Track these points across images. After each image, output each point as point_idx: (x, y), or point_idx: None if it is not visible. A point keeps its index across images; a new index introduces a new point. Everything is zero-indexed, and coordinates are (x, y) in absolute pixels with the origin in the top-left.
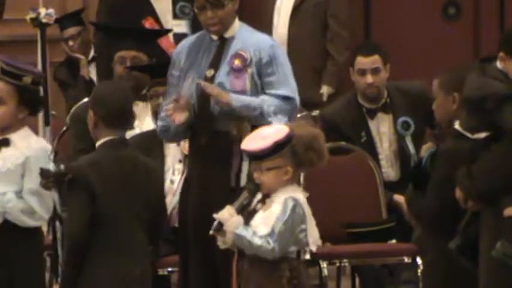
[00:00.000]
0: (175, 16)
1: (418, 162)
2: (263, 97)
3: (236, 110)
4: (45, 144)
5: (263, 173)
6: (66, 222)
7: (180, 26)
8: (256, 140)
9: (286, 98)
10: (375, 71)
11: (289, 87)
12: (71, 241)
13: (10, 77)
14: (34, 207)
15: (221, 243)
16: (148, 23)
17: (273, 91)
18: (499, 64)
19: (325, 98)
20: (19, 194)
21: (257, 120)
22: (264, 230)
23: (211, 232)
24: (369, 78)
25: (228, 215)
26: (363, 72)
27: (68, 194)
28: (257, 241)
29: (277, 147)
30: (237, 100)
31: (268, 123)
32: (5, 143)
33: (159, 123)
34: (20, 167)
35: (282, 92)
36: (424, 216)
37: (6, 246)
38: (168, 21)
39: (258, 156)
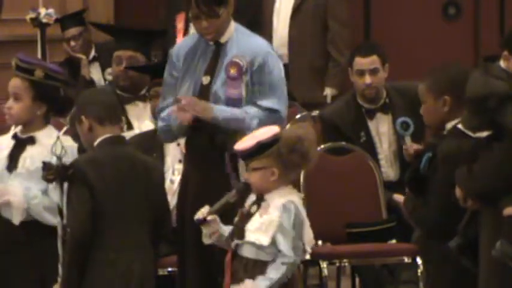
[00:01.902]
0: None
1: (416, 166)
2: (247, 109)
3: (221, 123)
4: (72, 142)
5: (250, 173)
6: (67, 219)
7: None
8: (248, 140)
9: (270, 110)
10: (373, 72)
11: (276, 99)
12: (73, 239)
13: (23, 72)
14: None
15: (206, 239)
16: (178, 19)
17: (258, 101)
18: (502, 63)
19: (329, 100)
20: (45, 192)
21: (242, 131)
22: (263, 238)
23: (195, 218)
24: (368, 79)
25: (201, 215)
26: (361, 73)
27: (69, 191)
28: (280, 270)
29: (261, 148)
30: (221, 114)
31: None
32: (31, 141)
33: (160, 123)
34: None
35: (267, 103)
36: (427, 223)
37: (37, 245)
38: None
39: (244, 156)
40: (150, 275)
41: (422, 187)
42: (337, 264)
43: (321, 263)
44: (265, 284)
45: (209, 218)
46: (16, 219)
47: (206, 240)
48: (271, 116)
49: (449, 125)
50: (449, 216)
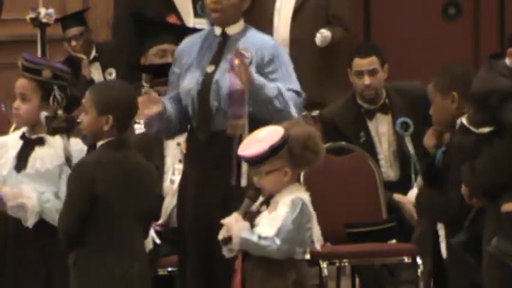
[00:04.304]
0: (196, 14)
1: (431, 160)
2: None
3: (257, 89)
4: (82, 145)
5: (263, 177)
6: (59, 216)
7: (201, 24)
8: (252, 145)
9: (297, 92)
10: (372, 73)
11: (296, 83)
12: (62, 236)
13: (30, 73)
14: None
15: (227, 252)
16: (172, 20)
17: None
18: (507, 60)
19: (318, 42)
20: (57, 194)
21: (274, 103)
22: (269, 231)
23: (219, 238)
24: (366, 80)
25: (234, 220)
26: (360, 74)
27: (67, 188)
28: (263, 243)
29: (274, 151)
30: (258, 79)
31: (285, 105)
32: (40, 142)
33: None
34: (58, 167)
35: (292, 86)
36: (447, 214)
37: (44, 245)
38: (190, 20)
39: (255, 161)
40: (148, 276)
41: (437, 181)
42: (337, 264)
43: (321, 263)
44: (247, 235)
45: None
46: (30, 221)
47: (228, 254)
48: (297, 96)
49: (459, 121)
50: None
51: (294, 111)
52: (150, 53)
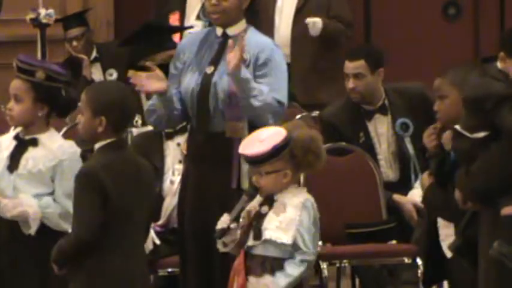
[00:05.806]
0: (198, 17)
1: (442, 159)
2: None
3: (239, 81)
4: (76, 148)
5: (262, 177)
6: (75, 221)
7: (197, 27)
8: (253, 144)
9: (277, 101)
10: (357, 76)
11: (281, 93)
12: (80, 240)
13: (24, 74)
14: (70, 211)
15: (221, 246)
16: (172, 18)
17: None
18: (499, 64)
19: (311, 31)
20: (51, 196)
21: (251, 102)
22: (285, 237)
23: (216, 235)
24: (350, 83)
25: (225, 224)
26: (347, 76)
27: (80, 196)
28: (298, 272)
29: (276, 151)
30: (245, 73)
31: (263, 107)
32: (33, 142)
33: (149, 101)
34: (51, 169)
35: (275, 95)
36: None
37: (42, 248)
38: (190, 19)
39: (256, 161)
40: (148, 276)
41: (448, 181)
42: (337, 265)
43: (321, 263)
44: (285, 281)
45: (232, 226)
46: (33, 229)
47: (222, 249)
48: (277, 106)
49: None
50: None
51: (269, 117)
52: (158, 57)
